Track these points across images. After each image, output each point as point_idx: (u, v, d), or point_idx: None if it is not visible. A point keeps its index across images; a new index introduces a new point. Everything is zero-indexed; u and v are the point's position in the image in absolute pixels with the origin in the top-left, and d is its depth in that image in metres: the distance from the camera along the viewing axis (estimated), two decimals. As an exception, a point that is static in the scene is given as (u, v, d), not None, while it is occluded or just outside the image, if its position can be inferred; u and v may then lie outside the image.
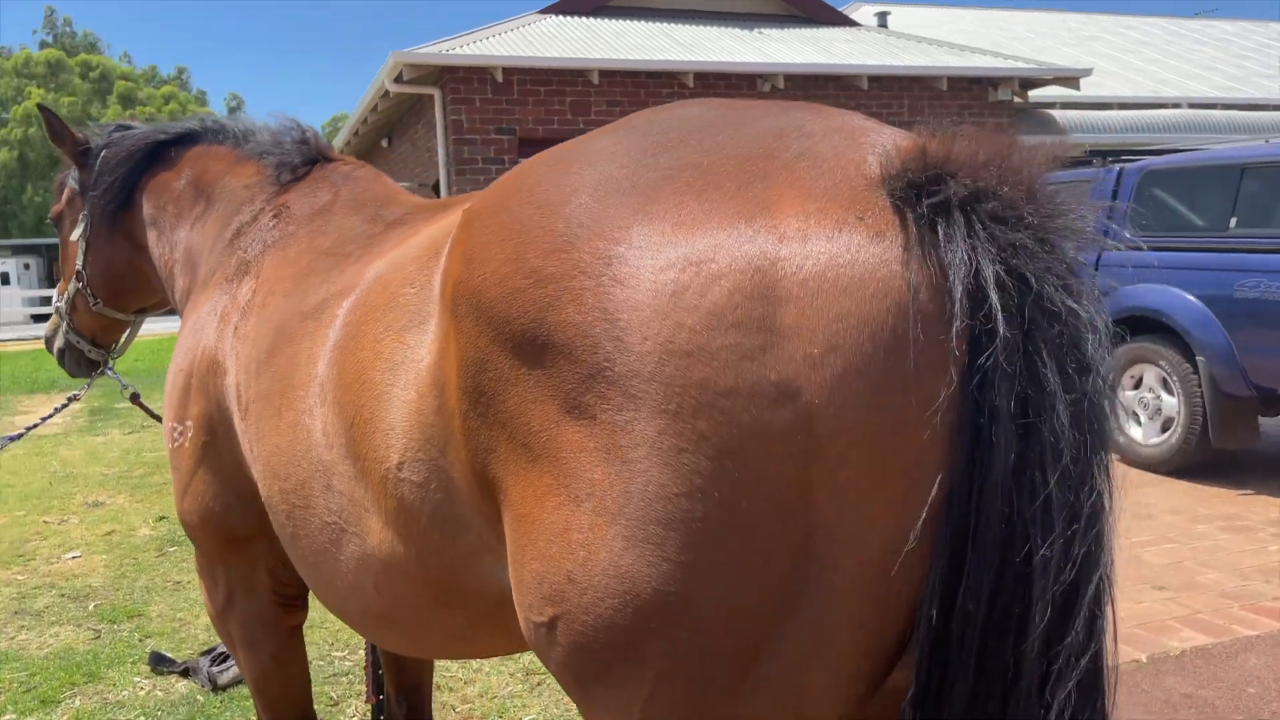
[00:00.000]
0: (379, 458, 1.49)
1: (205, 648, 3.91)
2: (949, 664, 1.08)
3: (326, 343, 1.68)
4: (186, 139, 2.58)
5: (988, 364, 1.05)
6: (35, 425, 2.94)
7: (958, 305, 1.05)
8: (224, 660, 3.66)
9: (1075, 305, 1.08)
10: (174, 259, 2.50)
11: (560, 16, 13.59)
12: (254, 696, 2.29)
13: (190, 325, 2.16)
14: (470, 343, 1.26)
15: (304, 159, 2.34)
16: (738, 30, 13.94)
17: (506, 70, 11.34)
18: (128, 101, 45.13)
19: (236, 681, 3.59)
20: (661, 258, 1.12)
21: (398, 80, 11.31)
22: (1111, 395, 1.12)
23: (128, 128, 2.72)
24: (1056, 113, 14.45)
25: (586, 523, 1.13)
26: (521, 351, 1.18)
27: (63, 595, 4.71)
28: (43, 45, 52.29)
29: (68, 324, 2.85)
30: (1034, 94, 14.43)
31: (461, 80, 11.33)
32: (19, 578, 5.00)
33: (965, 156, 1.15)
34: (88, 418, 10.53)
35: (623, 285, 1.13)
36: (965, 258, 1.07)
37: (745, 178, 1.16)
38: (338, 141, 15.62)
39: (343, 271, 1.82)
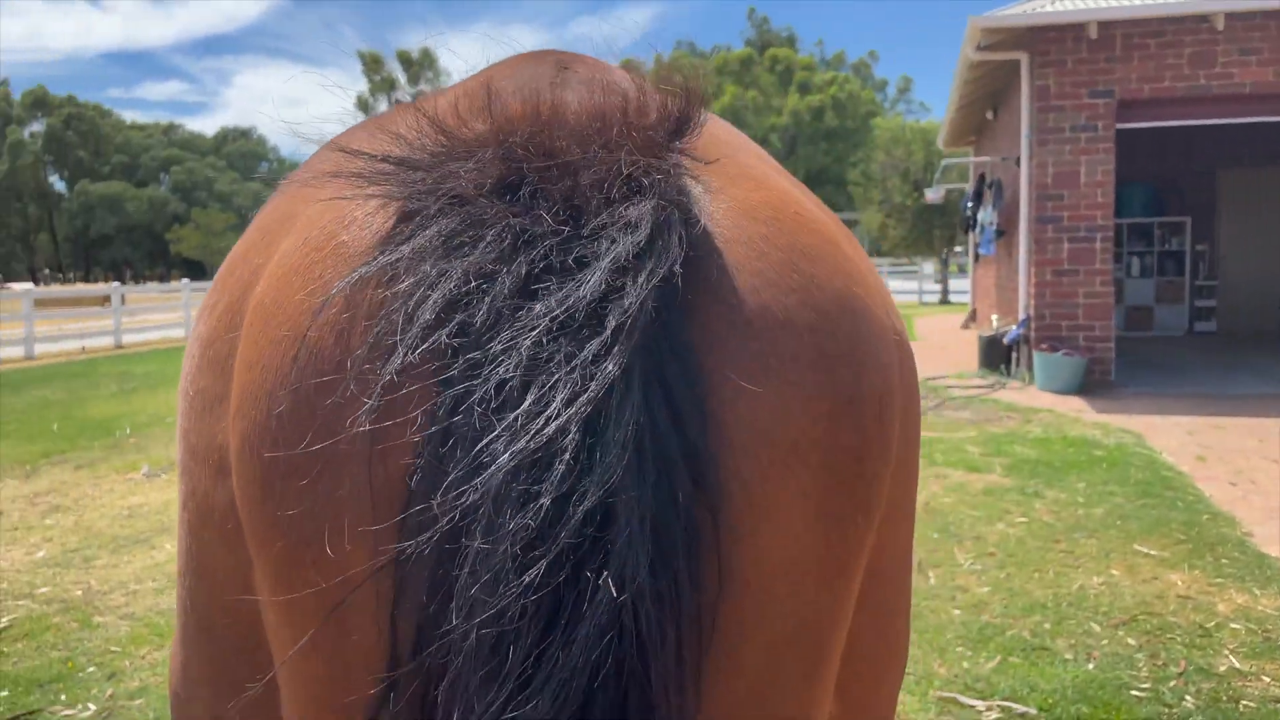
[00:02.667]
0: None
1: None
2: None
3: None
4: None
5: (420, 459, 0.70)
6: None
7: (380, 354, 0.71)
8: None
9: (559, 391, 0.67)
10: None
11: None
12: None
13: None
14: None
15: None
16: None
17: (1103, 25, 10.06)
18: (804, 89, 49.71)
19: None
20: (238, 269, 0.93)
21: (979, 48, 10.79)
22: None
23: None
24: None
25: None
26: None
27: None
28: (747, 43, 60.18)
29: None
30: None
31: (1052, 40, 10.36)
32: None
33: (514, 122, 0.81)
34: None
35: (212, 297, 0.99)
36: (415, 288, 0.71)
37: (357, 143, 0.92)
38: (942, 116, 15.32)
39: None
